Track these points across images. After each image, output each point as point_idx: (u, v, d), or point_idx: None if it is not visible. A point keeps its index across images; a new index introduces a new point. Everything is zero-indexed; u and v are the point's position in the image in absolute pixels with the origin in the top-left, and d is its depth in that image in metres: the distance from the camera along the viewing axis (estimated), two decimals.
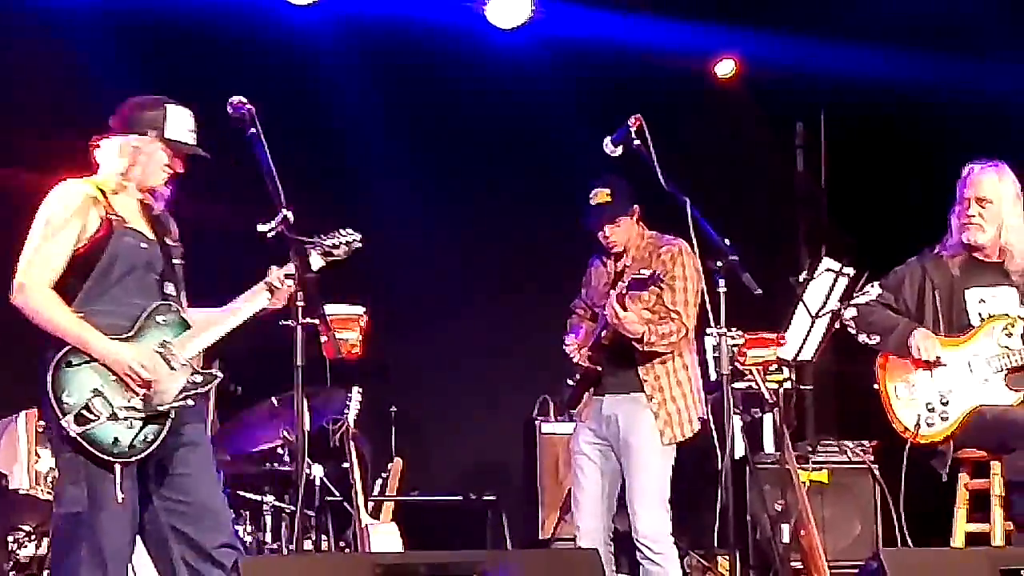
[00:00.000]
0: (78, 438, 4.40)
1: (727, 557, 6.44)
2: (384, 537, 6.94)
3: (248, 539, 6.71)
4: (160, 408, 4.51)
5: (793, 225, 9.52)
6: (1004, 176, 5.83)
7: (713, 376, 6.73)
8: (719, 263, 5.32)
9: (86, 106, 4.78)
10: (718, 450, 5.41)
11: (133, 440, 4.46)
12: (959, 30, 7.90)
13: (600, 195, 5.85)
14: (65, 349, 4.44)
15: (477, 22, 8.17)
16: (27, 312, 4.49)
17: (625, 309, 5.61)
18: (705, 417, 5.86)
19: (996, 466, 5.65)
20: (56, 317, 4.46)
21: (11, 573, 6.04)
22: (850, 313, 5.93)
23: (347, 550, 7.00)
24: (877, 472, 6.95)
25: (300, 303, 4.69)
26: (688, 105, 8.64)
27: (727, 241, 5.33)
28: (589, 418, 5.91)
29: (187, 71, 7.35)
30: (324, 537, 7.00)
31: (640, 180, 5.61)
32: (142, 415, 4.48)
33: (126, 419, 4.46)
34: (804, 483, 6.49)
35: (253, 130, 4.70)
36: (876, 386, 5.87)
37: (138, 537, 4.60)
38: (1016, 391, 5.67)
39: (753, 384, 6.59)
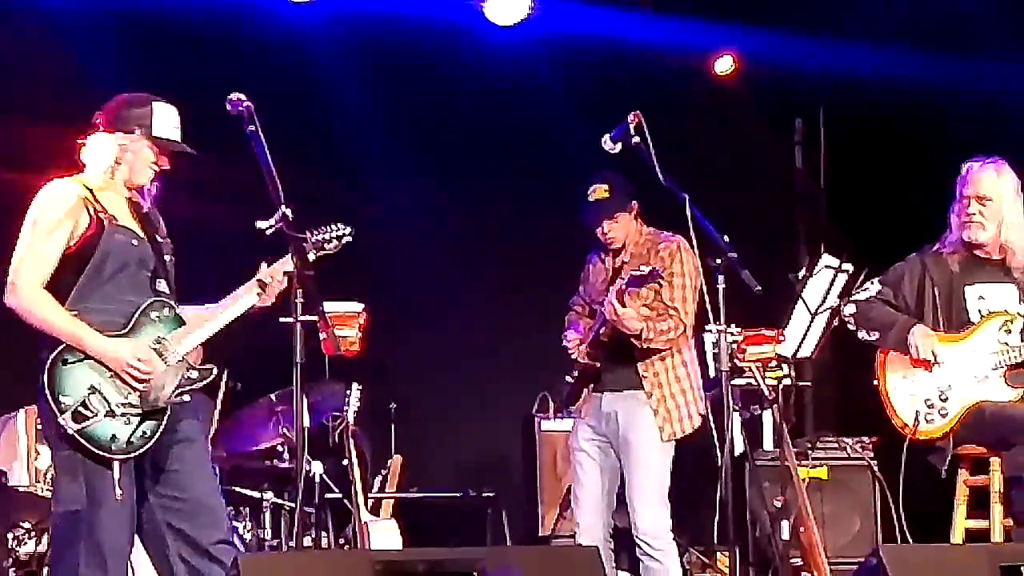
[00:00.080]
0: (76, 435, 4.40)
1: (727, 554, 6.44)
2: (384, 534, 6.94)
3: (248, 536, 6.71)
4: (157, 404, 4.51)
5: (792, 222, 9.52)
6: (1003, 173, 5.83)
7: (712, 373, 6.74)
8: (718, 260, 5.32)
9: (83, 105, 4.76)
10: (717, 447, 5.40)
11: (131, 436, 4.46)
12: (958, 28, 7.90)
13: (598, 191, 5.85)
14: (60, 347, 4.44)
15: (476, 19, 8.17)
16: (20, 312, 4.48)
17: (624, 306, 5.61)
18: (704, 414, 5.86)
19: (995, 462, 5.65)
20: (50, 316, 4.46)
21: (11, 570, 6.04)
22: (849, 309, 5.93)
23: (347, 547, 7.00)
24: (876, 468, 6.95)
25: (299, 300, 4.69)
26: (687, 102, 8.64)
27: (726, 238, 5.33)
28: (588, 415, 5.91)
29: (185, 68, 7.36)
30: (324, 534, 7.01)
31: (639, 177, 5.60)
32: (139, 411, 4.48)
33: (123, 415, 4.46)
34: (803, 480, 6.49)
35: (252, 127, 4.69)
36: (875, 382, 5.87)
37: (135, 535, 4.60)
38: (1015, 388, 5.67)
39: (752, 381, 6.58)
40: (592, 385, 5.90)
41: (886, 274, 5.97)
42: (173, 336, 4.59)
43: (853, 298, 5.95)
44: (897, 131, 8.53)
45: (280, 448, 6.93)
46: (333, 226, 4.88)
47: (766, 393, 6.52)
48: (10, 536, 6.08)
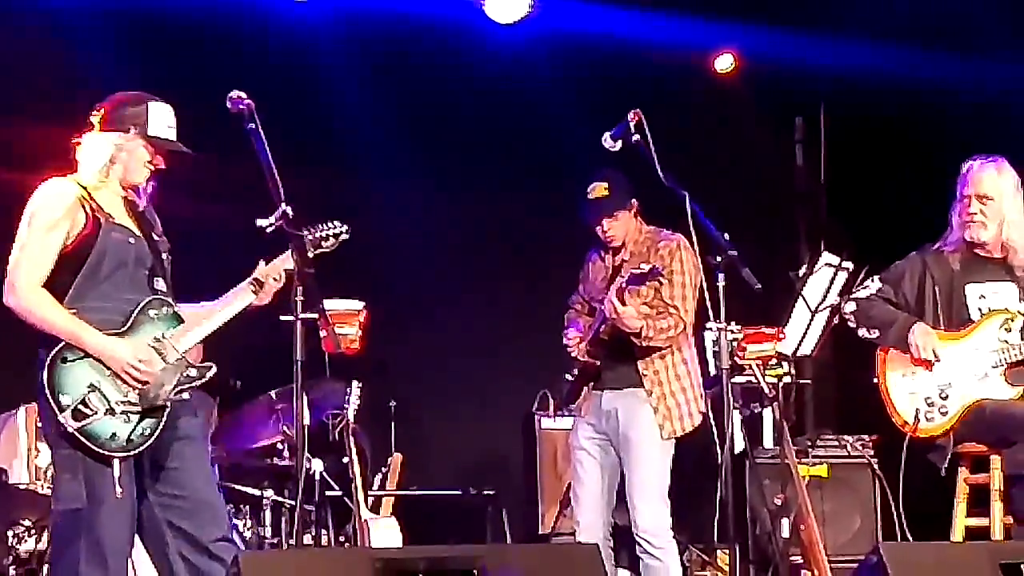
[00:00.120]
0: (76, 434, 4.40)
1: (727, 551, 6.44)
2: (384, 532, 6.95)
3: (248, 534, 6.72)
4: (156, 402, 4.51)
5: (792, 220, 9.52)
6: (1004, 171, 5.83)
7: (713, 371, 6.74)
8: (719, 258, 5.32)
9: (83, 104, 4.75)
10: (718, 444, 5.41)
11: (131, 434, 4.46)
12: (959, 26, 7.89)
13: (597, 189, 5.84)
14: (59, 346, 4.43)
15: (476, 17, 8.17)
16: (20, 312, 4.48)
17: (624, 304, 5.61)
18: (705, 412, 5.86)
19: (996, 460, 5.65)
20: (49, 315, 4.45)
21: (11, 568, 6.04)
22: (850, 307, 5.93)
23: (347, 545, 7.00)
24: (877, 467, 6.95)
25: (299, 298, 4.69)
26: (687, 100, 8.64)
27: (726, 236, 5.33)
28: (588, 413, 5.91)
29: (185, 67, 7.35)
30: (324, 532, 7.01)
31: (639, 175, 5.60)
32: (138, 409, 4.48)
33: (123, 413, 4.46)
34: (804, 477, 6.49)
35: (252, 125, 4.69)
36: (875, 380, 5.88)
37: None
38: (1015, 386, 5.67)
39: (753, 379, 6.59)
40: (592, 383, 5.90)
41: (886, 272, 5.97)
42: (172, 334, 4.59)
43: (853, 296, 5.95)
44: (897, 129, 8.53)
45: (280, 446, 6.93)
46: (330, 224, 4.88)
47: (766, 391, 6.53)
48: (10, 534, 6.08)
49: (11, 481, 6.35)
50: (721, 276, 5.31)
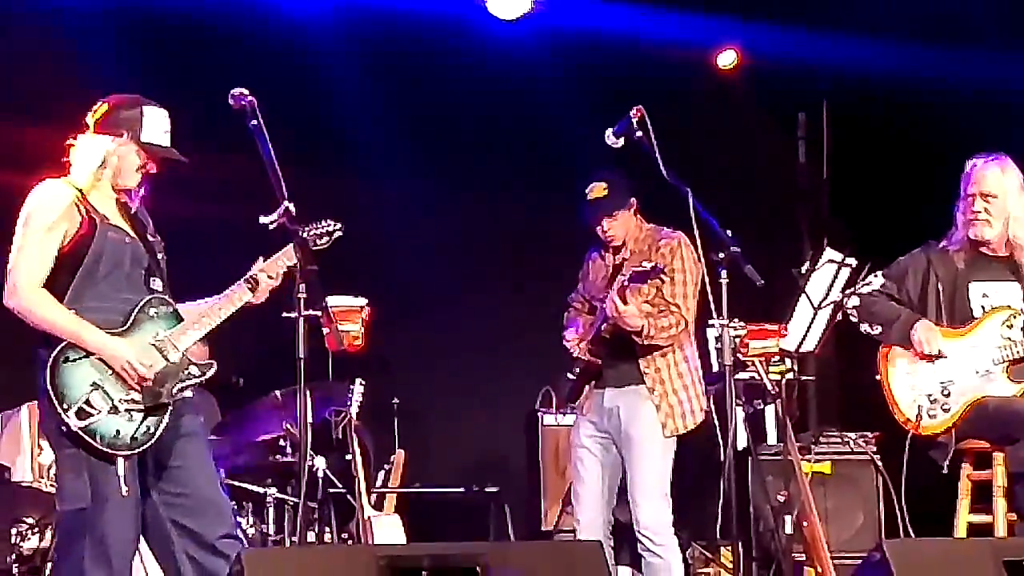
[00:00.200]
0: (80, 433, 4.40)
1: (730, 548, 6.44)
2: (387, 529, 6.96)
3: (251, 531, 6.72)
4: (159, 400, 4.50)
5: (795, 217, 9.51)
6: (1007, 169, 5.82)
7: (715, 367, 6.73)
8: (721, 254, 5.31)
9: (84, 105, 4.75)
10: (721, 441, 5.41)
11: (135, 433, 4.46)
12: (962, 23, 7.89)
13: (596, 190, 5.84)
14: (61, 345, 4.43)
15: (478, 13, 8.17)
16: (20, 312, 4.48)
17: (625, 303, 5.61)
18: (707, 409, 5.86)
19: (999, 457, 5.65)
20: (50, 315, 4.45)
21: (14, 565, 6.05)
22: (853, 303, 5.93)
23: (350, 542, 7.01)
24: (879, 463, 6.95)
25: (302, 295, 4.69)
26: (690, 96, 8.64)
27: (729, 232, 5.33)
28: (590, 411, 5.91)
29: (187, 64, 7.36)
30: (327, 529, 7.01)
31: (642, 171, 5.60)
32: (141, 407, 4.48)
33: (127, 412, 4.46)
34: (806, 474, 6.49)
35: (254, 122, 4.69)
36: (878, 377, 5.87)
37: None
38: (1018, 383, 5.66)
39: (755, 375, 6.59)
40: (594, 382, 5.90)
41: (890, 268, 5.96)
42: (172, 333, 4.59)
43: (857, 291, 5.94)
44: (900, 126, 8.52)
45: (283, 443, 6.93)
46: (323, 222, 4.88)
47: (769, 388, 6.52)
48: (13, 531, 6.08)
49: (14, 479, 6.36)
50: (724, 273, 5.31)
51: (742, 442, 6.93)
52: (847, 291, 6.08)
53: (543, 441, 7.72)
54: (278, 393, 6.77)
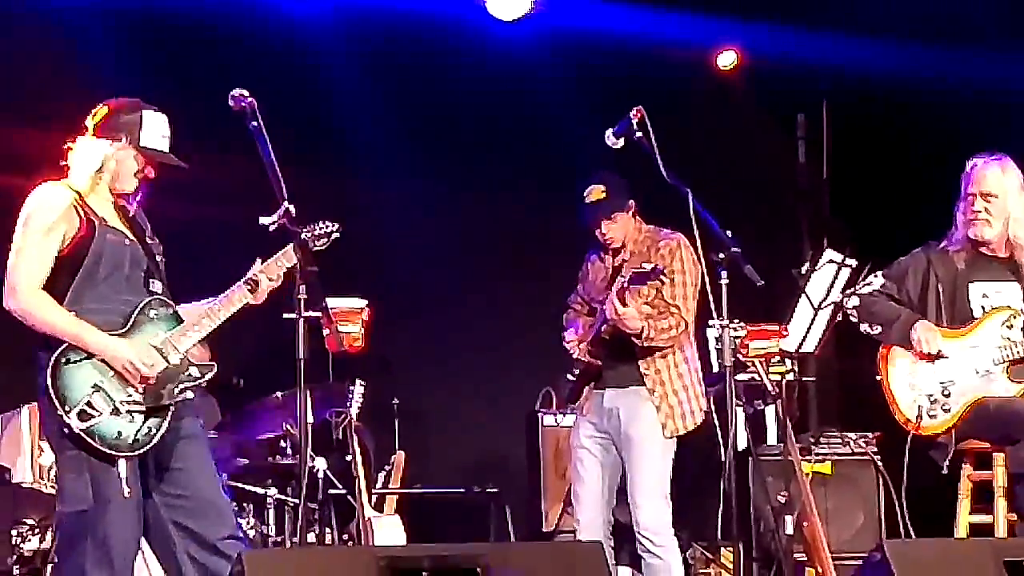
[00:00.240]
0: (82, 434, 4.39)
1: (730, 549, 6.43)
2: (387, 530, 6.95)
3: (252, 532, 6.71)
4: (160, 402, 4.50)
5: (795, 217, 9.51)
6: (1008, 169, 5.82)
7: (716, 368, 6.73)
8: (721, 255, 5.31)
9: (84, 105, 4.74)
10: (721, 442, 5.40)
11: (136, 434, 4.46)
12: (962, 23, 7.89)
13: (594, 192, 5.84)
14: (62, 347, 4.43)
15: (478, 14, 8.17)
16: (21, 315, 4.47)
17: (625, 304, 5.60)
18: (707, 410, 5.86)
19: (999, 457, 5.65)
20: (51, 317, 4.45)
21: (15, 567, 6.05)
22: (853, 303, 5.92)
23: (350, 543, 7.00)
24: (880, 464, 6.95)
25: (302, 296, 4.69)
26: (690, 97, 8.64)
27: (729, 233, 5.33)
28: (590, 412, 5.91)
29: (187, 65, 7.35)
30: (327, 530, 7.01)
31: (642, 172, 5.60)
32: (143, 408, 4.48)
33: (128, 413, 4.46)
34: (807, 475, 6.49)
35: (255, 123, 4.69)
36: (878, 377, 5.87)
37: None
38: (1018, 383, 5.66)
39: (756, 376, 6.58)
40: (594, 383, 5.90)
41: (890, 268, 5.96)
42: (172, 334, 4.59)
43: (857, 291, 5.94)
44: (900, 126, 8.52)
45: (284, 444, 6.93)
46: (321, 223, 4.88)
47: (769, 388, 6.52)
48: (14, 532, 6.09)
49: (15, 480, 6.36)
50: (724, 273, 5.31)
51: (742, 443, 6.92)
52: (847, 291, 6.08)
53: (543, 442, 7.72)
54: (279, 394, 6.77)
